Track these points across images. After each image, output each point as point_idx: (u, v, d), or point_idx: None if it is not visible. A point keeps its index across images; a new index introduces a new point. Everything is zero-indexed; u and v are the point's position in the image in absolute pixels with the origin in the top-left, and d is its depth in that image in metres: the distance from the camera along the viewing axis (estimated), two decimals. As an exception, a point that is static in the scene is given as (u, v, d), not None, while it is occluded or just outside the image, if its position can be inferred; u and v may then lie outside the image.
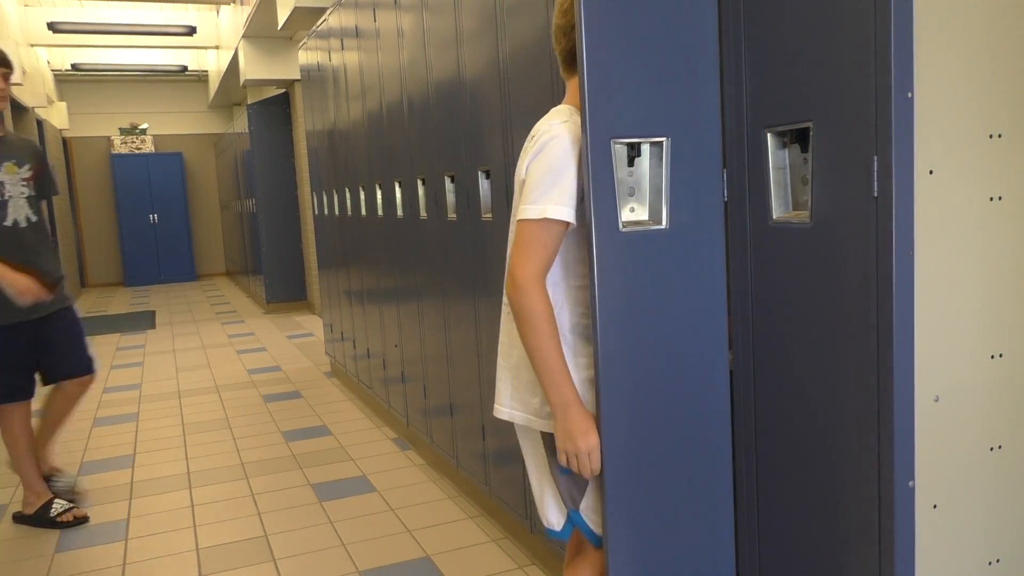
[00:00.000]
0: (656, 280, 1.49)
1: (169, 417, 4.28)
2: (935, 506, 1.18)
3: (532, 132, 1.39)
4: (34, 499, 2.86)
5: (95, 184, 11.79)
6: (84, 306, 9.59)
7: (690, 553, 1.57)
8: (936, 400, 1.16)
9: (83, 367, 2.93)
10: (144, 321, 7.95)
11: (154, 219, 11.69)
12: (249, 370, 5.33)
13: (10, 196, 2.71)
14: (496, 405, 1.48)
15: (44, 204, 2.90)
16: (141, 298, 10.14)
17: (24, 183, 2.75)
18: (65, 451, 3.75)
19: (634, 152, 1.44)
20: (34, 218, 2.79)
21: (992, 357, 1.22)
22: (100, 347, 6.57)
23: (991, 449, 1.23)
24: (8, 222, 2.70)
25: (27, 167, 2.77)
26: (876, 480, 1.15)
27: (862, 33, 1.09)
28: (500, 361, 1.48)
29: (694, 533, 1.54)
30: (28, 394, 2.83)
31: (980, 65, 1.16)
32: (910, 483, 1.14)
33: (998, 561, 1.26)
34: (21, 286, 2.59)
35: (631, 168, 1.46)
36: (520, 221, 1.32)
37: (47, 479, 2.95)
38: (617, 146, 1.41)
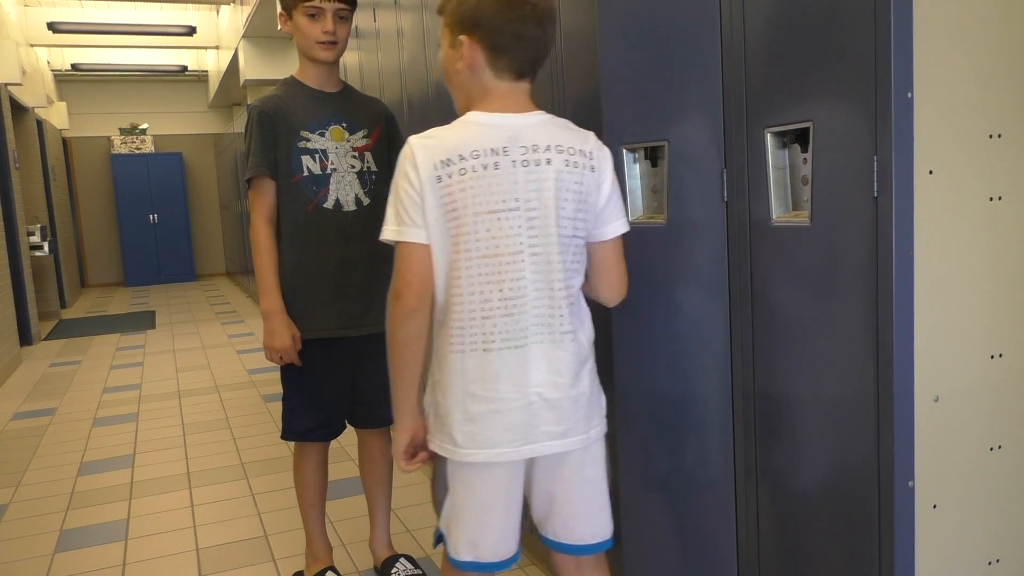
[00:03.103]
0: (656, 273, 1.51)
1: (169, 417, 4.28)
2: (935, 506, 1.18)
3: (568, 145, 1.36)
4: (311, 561, 2.26)
5: (95, 184, 11.79)
6: (84, 306, 9.59)
7: (692, 551, 1.57)
8: (936, 400, 1.16)
9: (383, 414, 2.18)
10: (144, 321, 7.95)
11: (154, 219, 11.69)
12: (249, 370, 5.33)
13: (333, 169, 2.01)
14: (573, 439, 1.37)
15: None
16: (141, 298, 10.14)
17: (355, 154, 2.05)
18: (65, 451, 3.76)
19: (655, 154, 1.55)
20: (366, 201, 2.05)
21: (992, 357, 1.22)
22: (100, 347, 6.57)
23: (991, 449, 1.23)
24: (328, 203, 2.00)
25: (361, 134, 2.07)
26: (876, 480, 1.15)
27: (862, 33, 1.09)
28: (569, 392, 1.36)
29: (695, 530, 1.54)
30: (329, 434, 2.16)
31: (980, 65, 1.16)
32: (910, 483, 1.14)
33: (998, 561, 1.26)
34: (278, 344, 1.97)
35: (655, 168, 1.52)
36: (621, 235, 1.43)
37: (382, 570, 2.32)
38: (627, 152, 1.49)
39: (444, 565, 1.50)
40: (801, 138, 1.26)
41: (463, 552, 1.42)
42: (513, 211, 1.30)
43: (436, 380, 1.39)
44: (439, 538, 1.48)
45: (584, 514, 1.43)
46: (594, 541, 1.45)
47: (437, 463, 1.44)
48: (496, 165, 1.30)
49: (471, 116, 1.35)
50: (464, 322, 1.33)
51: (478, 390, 1.33)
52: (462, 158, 1.30)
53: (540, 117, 1.37)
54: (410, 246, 1.33)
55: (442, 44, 1.40)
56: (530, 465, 1.41)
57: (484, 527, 1.40)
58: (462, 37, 1.33)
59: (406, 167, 1.32)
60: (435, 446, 1.41)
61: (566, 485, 1.41)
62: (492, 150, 1.31)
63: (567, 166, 1.34)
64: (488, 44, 1.32)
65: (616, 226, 1.41)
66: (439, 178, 1.30)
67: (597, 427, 1.42)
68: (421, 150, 1.31)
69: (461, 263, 1.31)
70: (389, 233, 1.34)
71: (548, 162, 1.32)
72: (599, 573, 1.50)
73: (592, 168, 1.37)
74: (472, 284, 1.31)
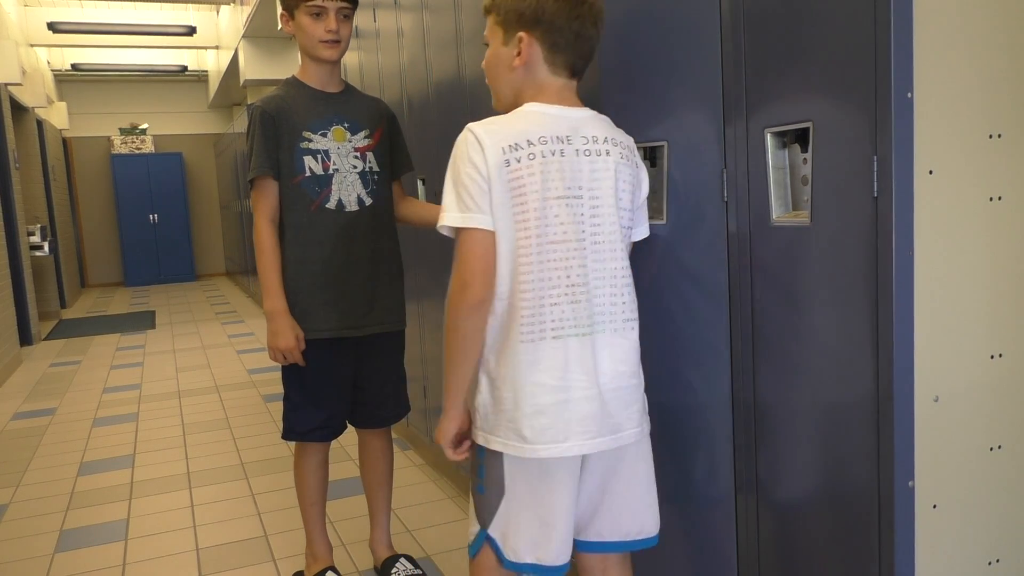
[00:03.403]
0: (655, 274, 1.51)
1: (169, 417, 4.28)
2: (935, 506, 1.18)
3: (619, 140, 1.39)
4: (311, 560, 2.25)
5: (95, 184, 11.79)
6: (84, 306, 9.59)
7: (692, 554, 1.57)
8: (936, 400, 1.16)
9: (384, 414, 2.24)
10: (144, 321, 7.95)
11: (154, 219, 11.69)
12: (249, 370, 5.33)
13: (335, 170, 2.02)
14: (633, 431, 1.36)
15: (396, 185, 2.18)
16: (141, 298, 10.14)
17: (357, 154, 2.05)
18: (65, 451, 3.76)
19: (654, 155, 1.56)
20: (368, 201, 2.05)
21: (992, 357, 1.22)
22: (100, 347, 6.57)
23: (991, 449, 1.23)
24: (330, 204, 2.01)
25: (363, 134, 2.07)
26: (876, 480, 1.15)
27: (862, 33, 1.09)
28: (629, 382, 1.36)
29: (696, 534, 1.54)
30: (330, 434, 2.15)
31: (980, 65, 1.16)
32: (910, 483, 1.14)
33: (998, 561, 1.26)
34: (282, 344, 1.98)
35: (654, 168, 1.52)
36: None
37: (382, 570, 2.31)
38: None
39: (476, 570, 1.44)
40: (801, 138, 1.26)
41: (524, 554, 1.36)
42: (577, 199, 1.32)
43: (495, 375, 1.33)
44: (479, 544, 1.41)
45: (633, 510, 1.42)
46: (640, 537, 1.43)
47: (487, 465, 1.37)
48: (562, 152, 1.31)
49: (529, 107, 1.35)
50: (535, 309, 1.29)
51: (549, 379, 1.29)
52: (530, 143, 1.29)
53: (590, 112, 1.40)
54: (476, 233, 1.28)
55: (490, 43, 1.40)
56: (582, 462, 1.37)
57: (549, 528, 1.35)
58: (521, 34, 1.33)
59: (470, 153, 1.29)
60: (498, 444, 1.33)
61: (621, 480, 1.39)
62: (557, 137, 1.32)
63: (622, 159, 1.37)
64: (548, 42, 1.33)
65: (644, 229, 1.47)
66: (507, 162, 1.28)
67: (647, 421, 1.42)
68: (487, 135, 1.29)
69: (532, 248, 1.29)
70: (452, 220, 1.30)
71: (608, 153, 1.35)
72: (626, 573, 1.50)
73: (636, 165, 1.41)
74: (543, 270, 1.29)
